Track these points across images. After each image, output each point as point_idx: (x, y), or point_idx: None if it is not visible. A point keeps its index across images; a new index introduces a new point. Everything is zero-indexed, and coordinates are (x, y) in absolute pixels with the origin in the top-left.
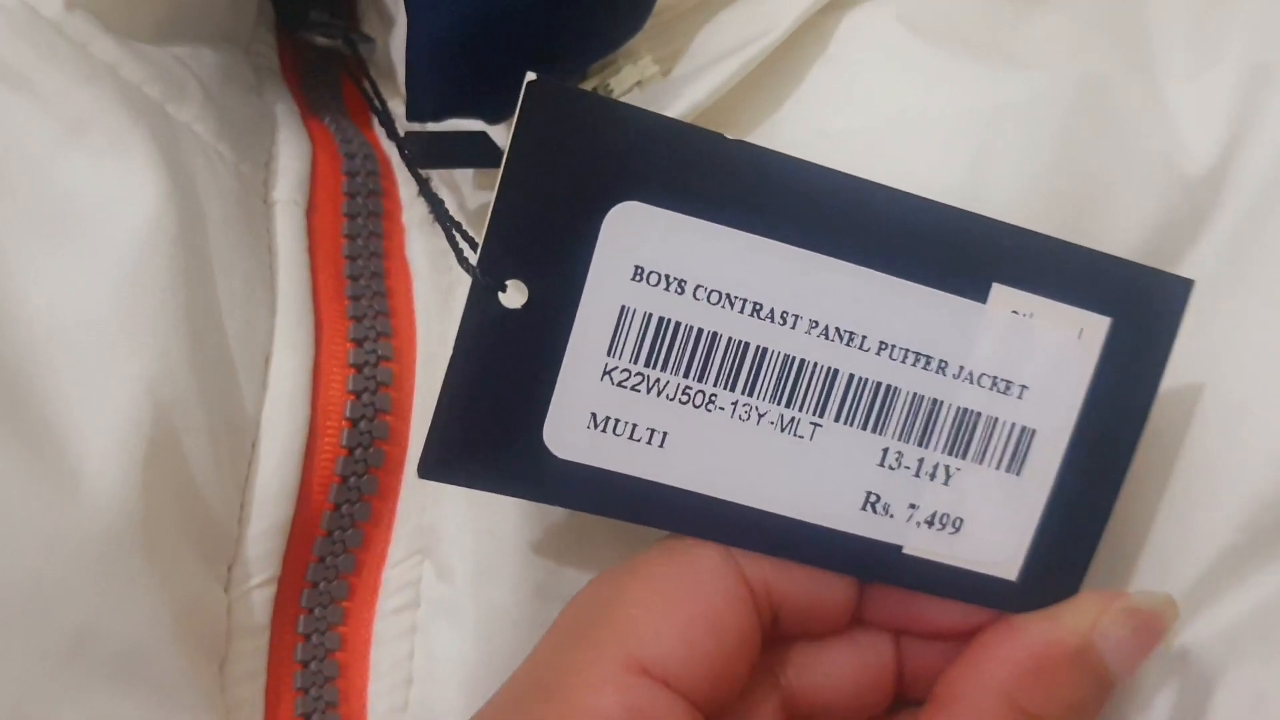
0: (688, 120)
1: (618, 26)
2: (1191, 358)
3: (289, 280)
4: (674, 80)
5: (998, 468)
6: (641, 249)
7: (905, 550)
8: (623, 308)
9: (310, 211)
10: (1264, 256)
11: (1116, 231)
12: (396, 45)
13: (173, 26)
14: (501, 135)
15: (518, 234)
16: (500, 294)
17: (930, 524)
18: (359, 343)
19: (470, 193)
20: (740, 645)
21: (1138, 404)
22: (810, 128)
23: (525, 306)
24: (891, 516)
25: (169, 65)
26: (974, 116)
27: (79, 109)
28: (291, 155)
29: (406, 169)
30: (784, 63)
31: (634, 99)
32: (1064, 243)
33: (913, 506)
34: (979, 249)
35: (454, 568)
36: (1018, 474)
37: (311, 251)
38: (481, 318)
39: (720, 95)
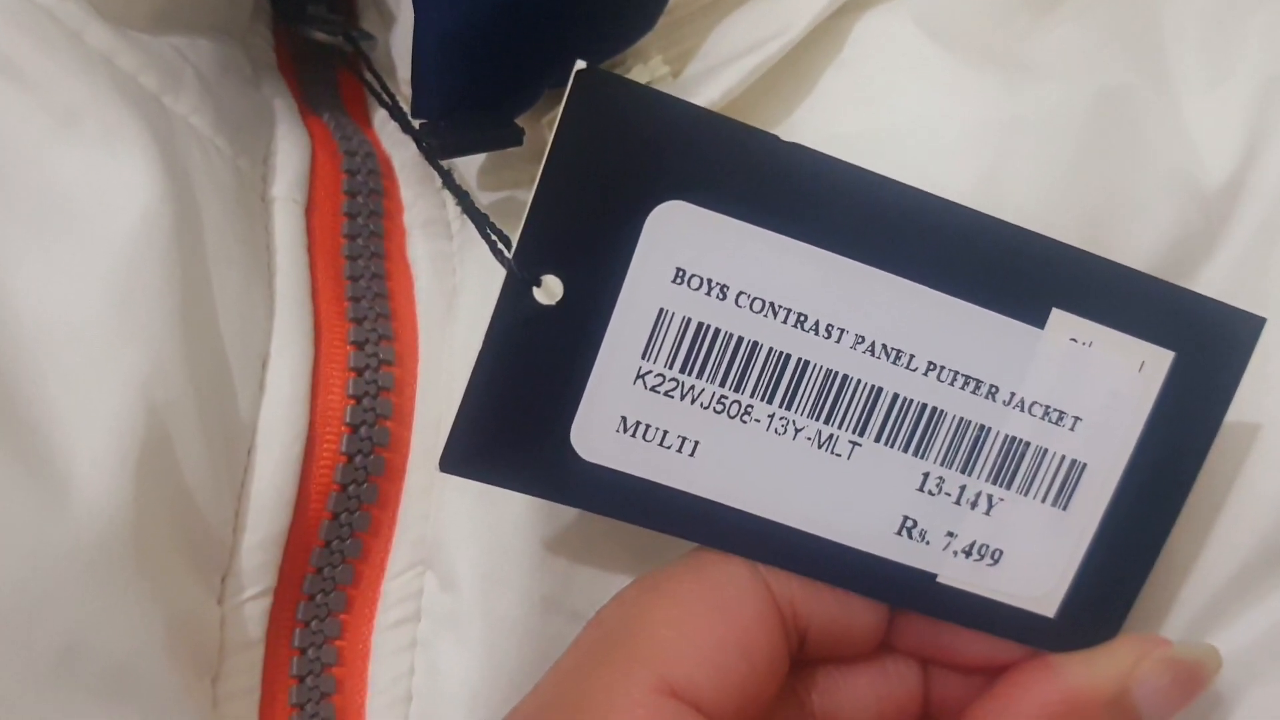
0: None
1: (629, 25)
2: None
3: (288, 279)
4: (685, 80)
5: (1044, 501)
6: (684, 250)
7: (940, 579)
8: (661, 310)
9: (309, 210)
10: (1278, 272)
11: (1133, 246)
12: (396, 42)
13: (169, 15)
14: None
15: (557, 227)
16: (535, 289)
17: (968, 554)
18: (360, 345)
19: (477, 193)
20: (769, 667)
21: (1196, 444)
22: (823, 131)
23: (560, 303)
24: (928, 544)
25: (165, 54)
26: (989, 127)
27: (72, 98)
28: (290, 151)
29: (427, 162)
30: (798, 65)
31: None
32: (1130, 270)
33: (950, 535)
34: (1040, 271)
35: (459, 578)
36: (1064, 509)
37: (311, 250)
38: (514, 312)
39: (734, 96)
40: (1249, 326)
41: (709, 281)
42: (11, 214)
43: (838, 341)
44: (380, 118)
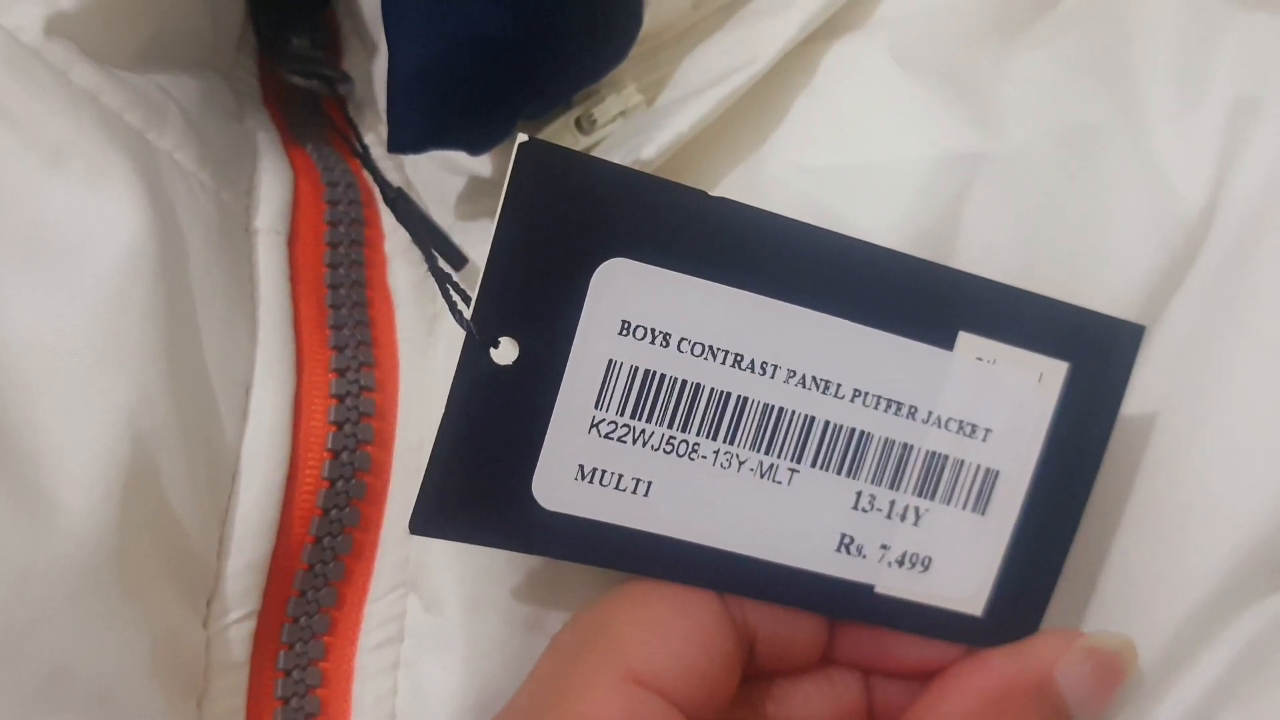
0: (672, 150)
1: (601, 56)
2: (1182, 398)
3: (270, 309)
4: (658, 109)
5: (964, 508)
6: (628, 304)
7: (877, 589)
8: (610, 361)
9: (292, 240)
10: (1250, 295)
11: (1113, 285)
12: (378, 73)
13: (154, 53)
14: (482, 165)
15: (510, 293)
16: (493, 350)
17: (901, 563)
18: (341, 373)
19: (455, 222)
20: (726, 664)
21: (1094, 444)
22: (792, 162)
23: (516, 363)
24: (864, 557)
25: (150, 92)
26: (957, 163)
27: (58, 137)
28: (273, 184)
29: (392, 215)
30: (768, 93)
31: (617, 128)
32: (1024, 291)
33: (884, 547)
34: (946, 299)
35: (443, 599)
36: (983, 513)
37: (293, 280)
38: (474, 375)
39: (705, 125)
40: (1131, 334)
41: (652, 331)
42: (2, 250)
43: (772, 377)
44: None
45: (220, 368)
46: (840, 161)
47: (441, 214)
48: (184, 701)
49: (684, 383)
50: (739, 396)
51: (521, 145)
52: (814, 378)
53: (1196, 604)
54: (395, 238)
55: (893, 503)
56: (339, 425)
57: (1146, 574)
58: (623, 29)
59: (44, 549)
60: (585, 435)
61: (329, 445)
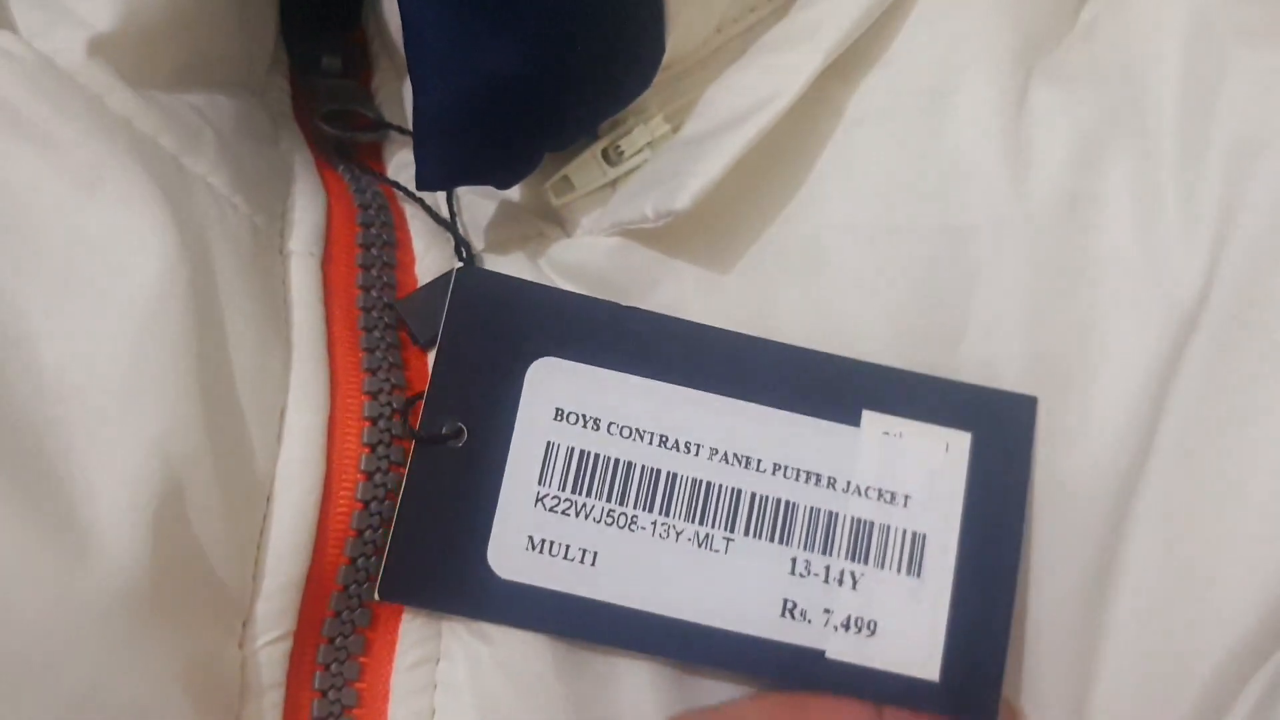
0: (704, 195)
1: (626, 86)
2: (1204, 436)
3: (304, 331)
4: (683, 142)
5: (899, 571)
6: (560, 394)
7: (829, 655)
8: (548, 443)
9: (325, 261)
10: (1270, 329)
11: (1114, 364)
12: (409, 94)
13: (189, 75)
14: (511, 198)
15: (455, 387)
16: (443, 433)
17: (848, 628)
18: (374, 395)
19: (488, 244)
20: None
21: (1014, 506)
22: (817, 223)
23: (466, 445)
24: (810, 622)
25: (185, 115)
26: (957, 234)
27: (92, 162)
28: (307, 206)
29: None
30: (791, 123)
31: (643, 159)
32: (919, 374)
33: (827, 611)
34: (847, 383)
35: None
36: (918, 576)
37: (327, 302)
38: (428, 458)
39: (733, 166)
40: (1026, 406)
41: (583, 416)
42: (33, 274)
43: (696, 455)
44: (395, 165)
45: (253, 391)
46: (857, 220)
47: (475, 239)
48: None
49: (617, 460)
50: (669, 472)
51: (459, 273)
52: (735, 454)
53: (1229, 651)
54: (426, 260)
55: (828, 567)
56: (372, 447)
57: (1152, 644)
58: (646, 57)
59: (77, 577)
60: (532, 509)
61: (362, 467)
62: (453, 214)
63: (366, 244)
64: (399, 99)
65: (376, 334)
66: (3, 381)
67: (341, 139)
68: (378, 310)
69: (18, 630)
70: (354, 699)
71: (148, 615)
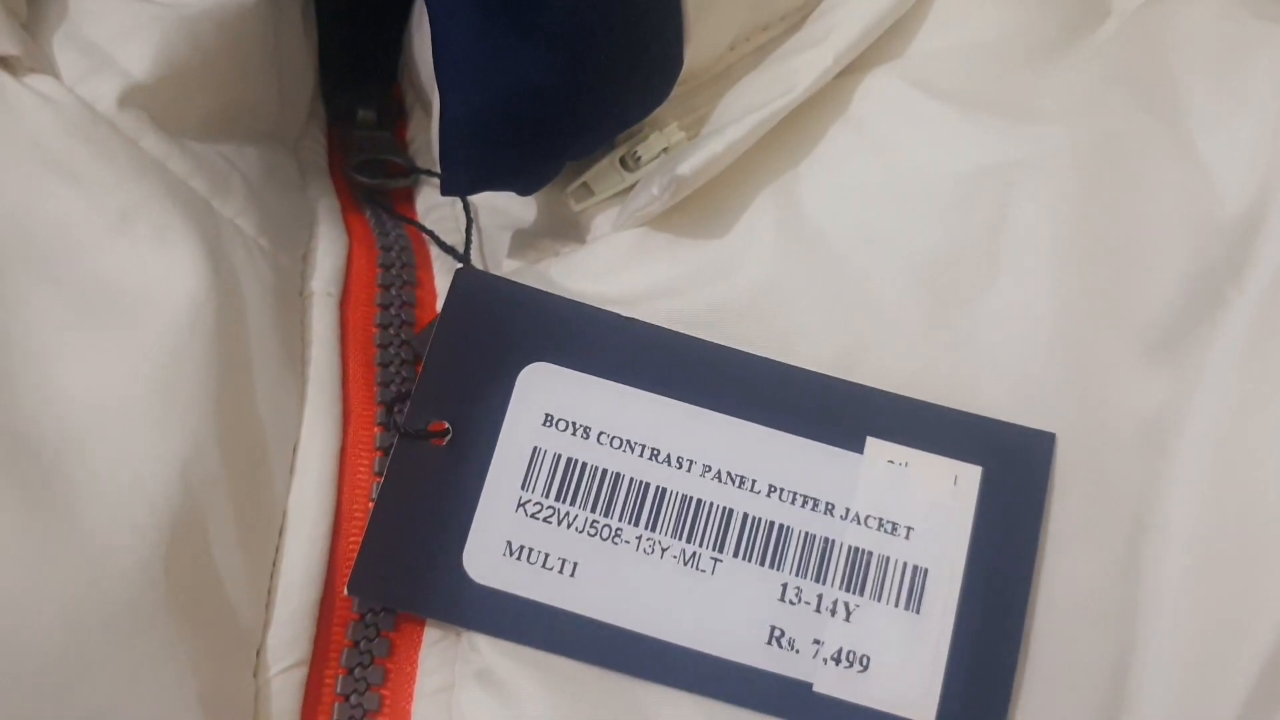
0: (706, 170)
1: (642, 99)
2: (1246, 410)
3: (320, 368)
4: (696, 141)
5: (896, 605)
6: (551, 400)
7: (816, 689)
8: (535, 448)
9: (344, 302)
10: None
11: (1153, 282)
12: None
13: (220, 125)
14: (531, 206)
15: (444, 384)
16: (428, 430)
17: (837, 661)
18: (386, 426)
19: (506, 265)
20: None
21: (1024, 545)
22: (827, 185)
23: (450, 443)
24: (797, 652)
25: (215, 161)
26: (990, 174)
27: (127, 201)
28: (328, 249)
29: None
30: (804, 121)
31: (660, 164)
32: (928, 404)
33: (817, 642)
34: (852, 409)
35: (498, 645)
36: (917, 612)
37: (343, 340)
38: (411, 454)
39: (741, 149)
40: (1044, 441)
41: (573, 424)
42: (65, 304)
43: (688, 470)
44: (424, 208)
45: (272, 423)
46: (874, 182)
47: (493, 267)
48: None
49: (604, 471)
50: (658, 486)
51: (458, 272)
52: (729, 473)
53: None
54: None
55: (820, 596)
56: (384, 477)
57: (1182, 668)
58: (663, 72)
59: (92, 596)
60: (513, 514)
61: (374, 496)
62: (469, 219)
63: (386, 284)
64: (431, 147)
65: (392, 369)
66: (21, 402)
67: (372, 187)
68: (395, 346)
69: (31, 648)
70: None
71: (162, 634)
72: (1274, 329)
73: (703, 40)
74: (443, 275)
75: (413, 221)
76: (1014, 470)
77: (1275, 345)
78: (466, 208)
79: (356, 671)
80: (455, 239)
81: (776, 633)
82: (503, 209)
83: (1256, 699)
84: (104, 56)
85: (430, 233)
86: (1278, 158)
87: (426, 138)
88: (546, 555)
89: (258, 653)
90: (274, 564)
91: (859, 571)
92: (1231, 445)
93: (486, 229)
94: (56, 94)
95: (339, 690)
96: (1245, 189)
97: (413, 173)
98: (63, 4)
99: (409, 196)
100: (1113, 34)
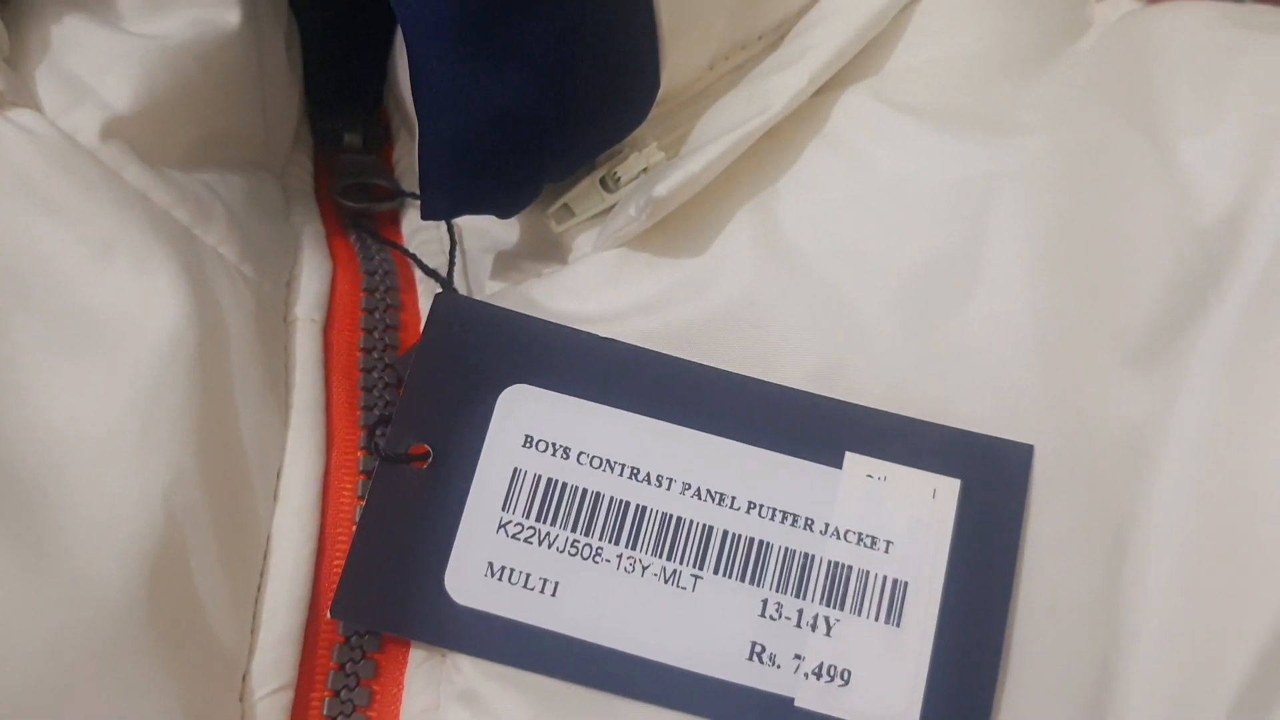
0: (684, 189)
1: (620, 121)
2: (1230, 415)
3: (303, 393)
4: (673, 162)
5: (876, 619)
6: (531, 421)
7: (798, 703)
8: (515, 469)
9: (328, 326)
10: None
11: (1133, 290)
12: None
13: (203, 153)
14: (514, 228)
15: (425, 407)
16: (410, 453)
17: (819, 675)
18: (369, 450)
19: (489, 287)
20: None
21: (1003, 556)
22: (803, 201)
23: (431, 466)
24: (778, 667)
25: (197, 190)
26: (967, 186)
27: (108, 232)
28: (311, 275)
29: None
30: (780, 142)
31: (638, 185)
32: (908, 419)
33: (798, 657)
34: (831, 425)
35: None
36: (898, 625)
37: (327, 365)
38: (392, 477)
39: (718, 168)
40: (1021, 453)
41: (553, 445)
42: (48, 334)
43: (668, 489)
44: (409, 230)
45: (255, 450)
46: (851, 197)
47: (476, 291)
48: None
49: (584, 490)
50: (638, 505)
51: (437, 296)
52: (708, 490)
53: (1259, 642)
54: None
55: (801, 611)
56: (365, 501)
57: (1170, 668)
58: (639, 94)
59: (78, 621)
60: (494, 535)
61: (358, 519)
62: (453, 242)
63: (370, 308)
64: (417, 169)
65: (375, 392)
66: (3, 431)
67: (357, 211)
68: (378, 370)
69: (15, 676)
70: None
71: (146, 659)
72: (1256, 335)
73: (679, 62)
74: (426, 297)
75: (396, 246)
76: (992, 482)
77: (1257, 352)
78: (450, 231)
79: (343, 694)
80: (440, 261)
81: (758, 648)
82: (486, 231)
83: (1242, 705)
84: (85, 89)
85: (413, 256)
86: (1258, 163)
87: (412, 160)
88: (528, 575)
89: (243, 677)
90: (258, 589)
91: (839, 586)
92: (1215, 452)
93: (470, 251)
94: (38, 127)
95: (325, 713)
96: (1225, 195)
97: (398, 196)
98: (44, 37)
99: (395, 219)
100: (1093, 44)
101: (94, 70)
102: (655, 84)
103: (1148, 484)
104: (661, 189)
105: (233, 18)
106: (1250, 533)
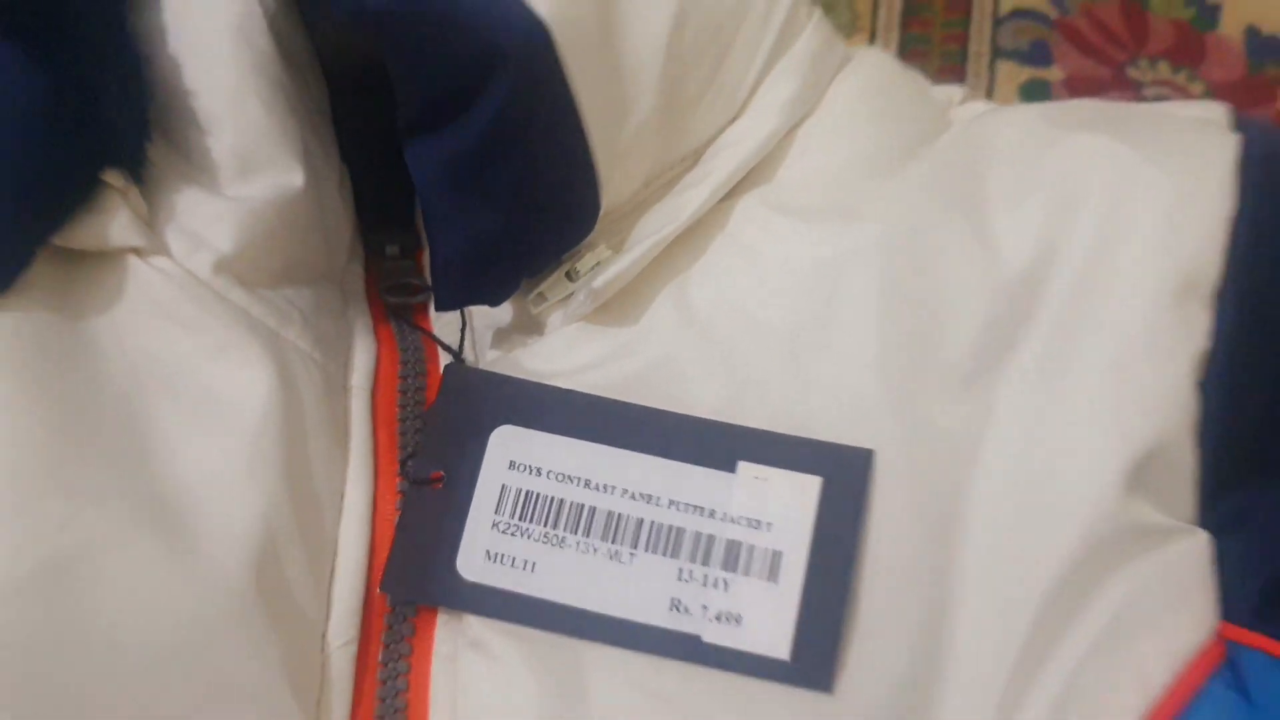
0: (617, 281)
1: (571, 235)
2: (1034, 410)
3: (358, 440)
4: (609, 260)
5: (761, 578)
6: (514, 451)
7: (705, 639)
8: (503, 485)
9: (374, 392)
10: (1074, 363)
11: (954, 333)
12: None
13: (283, 276)
14: (507, 311)
15: (440, 446)
16: (429, 481)
17: (720, 620)
18: (404, 477)
19: (489, 355)
20: None
21: (851, 529)
22: (711, 283)
23: (445, 486)
24: (690, 614)
25: (280, 303)
26: (826, 264)
27: (221, 337)
28: (362, 355)
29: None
30: (693, 237)
31: (589, 276)
32: (785, 435)
33: (705, 607)
34: (727, 442)
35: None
36: (775, 582)
37: (374, 420)
38: (418, 494)
39: (641, 266)
40: (864, 456)
41: (530, 466)
42: (183, 409)
43: (611, 493)
44: (435, 314)
45: (324, 481)
46: (744, 278)
47: (480, 358)
48: (307, 697)
49: (552, 498)
50: (590, 506)
51: (446, 367)
52: (640, 493)
53: (1052, 580)
54: None
55: (706, 575)
56: (400, 511)
57: (1006, 557)
58: (584, 215)
59: (210, 593)
60: (490, 531)
61: (397, 525)
62: (464, 323)
63: (404, 375)
64: None
65: (408, 437)
66: (158, 476)
67: (397, 305)
68: (410, 420)
69: (173, 628)
70: (405, 684)
71: (256, 627)
72: (1053, 365)
73: (615, 188)
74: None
75: (424, 330)
76: (844, 478)
77: (1054, 376)
78: (463, 315)
79: (391, 646)
80: (457, 338)
81: (675, 602)
82: (486, 313)
83: (1041, 623)
84: (200, 239)
85: (436, 339)
86: (1054, 230)
87: None
88: (514, 558)
89: (322, 636)
90: (330, 575)
91: (734, 556)
92: (1021, 449)
93: (477, 329)
94: (170, 269)
95: (380, 659)
96: (1027, 256)
97: (425, 291)
98: (170, 203)
99: (426, 307)
100: (944, 143)
101: (205, 225)
102: (596, 207)
103: (969, 473)
104: (599, 282)
105: (298, 179)
106: (1045, 504)
